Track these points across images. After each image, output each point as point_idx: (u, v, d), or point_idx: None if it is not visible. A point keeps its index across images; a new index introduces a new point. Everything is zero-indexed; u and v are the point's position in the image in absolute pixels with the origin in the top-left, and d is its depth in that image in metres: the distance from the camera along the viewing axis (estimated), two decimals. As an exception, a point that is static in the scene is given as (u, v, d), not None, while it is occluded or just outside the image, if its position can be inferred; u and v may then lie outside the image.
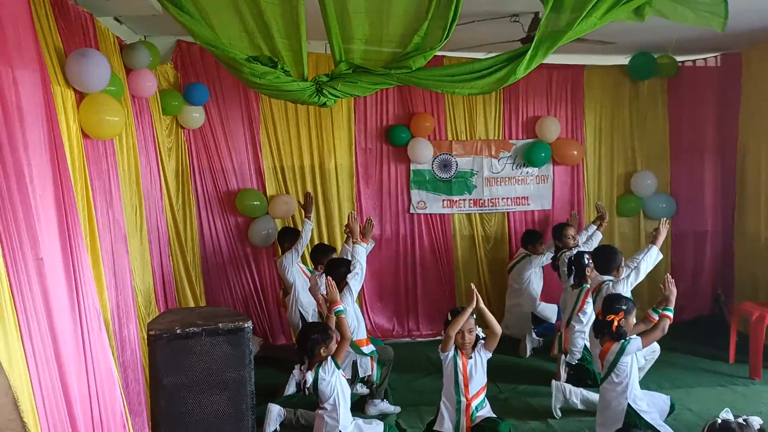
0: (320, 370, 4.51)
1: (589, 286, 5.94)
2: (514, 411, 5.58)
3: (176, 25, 3.80)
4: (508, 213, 7.92)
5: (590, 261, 6.00)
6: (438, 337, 7.28)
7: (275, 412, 5.27)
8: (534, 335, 7.22)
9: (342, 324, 4.66)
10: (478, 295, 4.76)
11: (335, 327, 4.79)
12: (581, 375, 6.00)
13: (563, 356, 6.13)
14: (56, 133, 3.24)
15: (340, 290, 5.25)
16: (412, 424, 5.41)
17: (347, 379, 5.00)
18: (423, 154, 7.56)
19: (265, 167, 7.29)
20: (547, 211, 7.96)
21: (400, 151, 7.62)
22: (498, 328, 4.80)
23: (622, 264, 5.77)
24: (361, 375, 5.54)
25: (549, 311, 7.23)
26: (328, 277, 5.12)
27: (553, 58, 7.56)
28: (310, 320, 6.34)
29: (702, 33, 6.55)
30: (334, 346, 4.60)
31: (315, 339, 4.57)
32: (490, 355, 4.86)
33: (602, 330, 4.79)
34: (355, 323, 5.49)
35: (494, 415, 4.85)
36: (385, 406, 5.71)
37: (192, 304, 6.79)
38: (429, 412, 5.22)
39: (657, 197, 7.90)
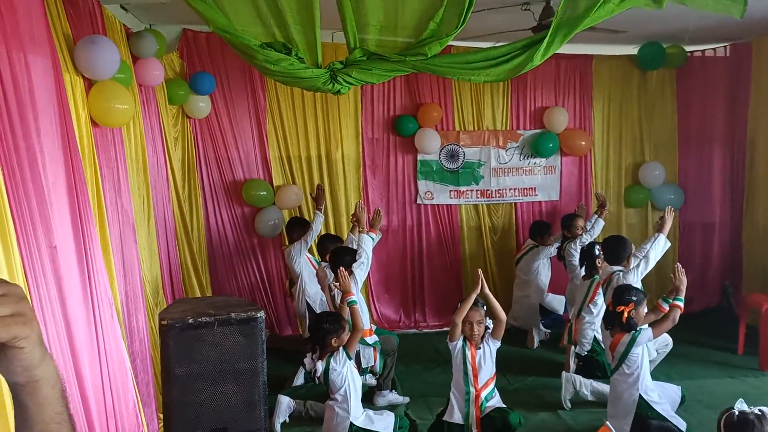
0: (331, 360, 4.48)
1: (599, 277, 5.91)
2: (523, 402, 5.55)
3: (182, 13, 3.76)
4: (515, 204, 7.89)
5: (601, 252, 5.96)
6: (445, 328, 7.25)
7: (285, 403, 5.26)
8: (542, 327, 7.19)
9: (355, 314, 4.63)
10: (484, 280, 4.71)
11: (348, 317, 4.76)
12: (591, 366, 5.98)
13: (573, 347, 6.11)
14: (67, 120, 3.20)
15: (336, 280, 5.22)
16: (421, 414, 5.40)
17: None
18: (430, 144, 7.51)
19: (272, 157, 7.24)
20: (554, 202, 7.92)
21: (407, 141, 7.58)
22: (503, 315, 4.77)
23: (632, 254, 5.73)
24: (363, 365, 5.51)
25: (557, 303, 7.21)
26: (341, 267, 5.08)
27: (561, 48, 7.58)
28: (317, 311, 6.31)
29: (713, 22, 6.52)
30: (346, 336, 4.57)
31: (327, 329, 4.54)
32: (498, 344, 4.84)
33: (613, 321, 4.76)
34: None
35: (504, 405, 4.83)
36: (393, 396, 5.70)
37: (198, 295, 6.76)
38: (438, 403, 5.21)
39: (665, 188, 7.86)
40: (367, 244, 5.57)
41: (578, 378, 5.53)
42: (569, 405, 5.44)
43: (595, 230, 6.82)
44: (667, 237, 5.69)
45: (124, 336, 3.94)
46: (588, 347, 6.02)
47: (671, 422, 4.56)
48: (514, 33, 5.57)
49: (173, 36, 6.78)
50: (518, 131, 7.77)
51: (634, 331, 4.63)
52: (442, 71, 4.15)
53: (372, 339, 5.63)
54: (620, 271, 5.56)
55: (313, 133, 7.31)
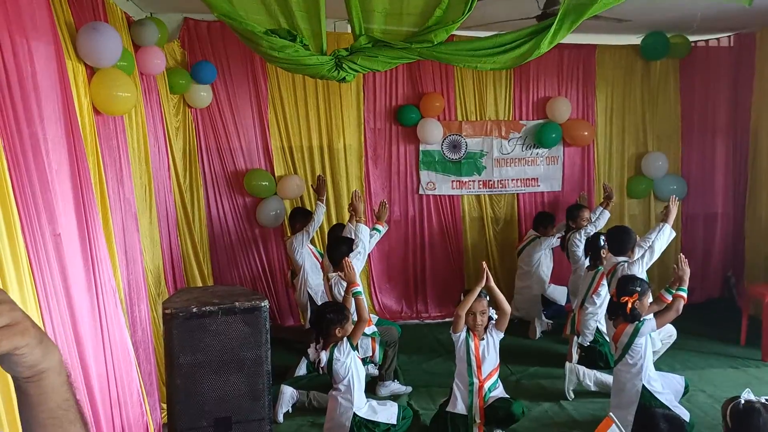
0: (335, 351, 4.47)
1: (603, 268, 5.89)
2: (526, 393, 5.55)
3: (183, 1, 3.71)
4: (517, 194, 7.86)
5: (605, 243, 5.94)
6: (447, 319, 7.30)
7: (288, 394, 5.25)
8: (543, 317, 7.18)
9: (360, 305, 4.61)
10: (489, 273, 4.69)
11: (353, 308, 4.74)
12: (593, 357, 5.97)
13: (575, 338, 6.10)
14: (70, 107, 3.17)
15: (342, 270, 5.20)
16: (423, 405, 5.39)
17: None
18: (432, 134, 7.48)
19: (274, 147, 7.21)
20: (556, 193, 7.90)
21: (410, 131, 7.54)
22: (508, 307, 4.75)
23: (636, 244, 5.71)
24: (361, 355, 5.49)
25: (558, 294, 7.20)
26: (345, 258, 5.06)
27: (564, 38, 7.54)
28: (319, 302, 6.29)
29: (717, 12, 6.48)
30: (350, 326, 4.55)
31: (330, 319, 4.53)
32: (502, 335, 4.82)
33: (616, 312, 4.73)
34: None
35: (507, 396, 4.82)
36: (396, 386, 5.69)
37: (200, 285, 6.74)
38: (440, 393, 5.20)
39: (668, 179, 7.84)
40: (363, 233, 5.54)
41: (582, 368, 5.52)
42: (572, 395, 5.44)
43: (600, 221, 6.79)
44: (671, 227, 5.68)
45: (127, 325, 3.92)
46: (591, 338, 6.01)
47: (674, 412, 4.54)
48: (517, 22, 5.53)
49: (174, 24, 6.74)
50: (521, 121, 7.74)
51: (637, 322, 4.61)
52: (448, 59, 4.12)
53: (370, 329, 5.61)
54: (625, 261, 5.54)
55: (315, 123, 7.27)
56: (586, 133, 7.72)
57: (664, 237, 5.50)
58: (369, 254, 6.73)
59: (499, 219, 7.90)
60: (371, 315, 6.57)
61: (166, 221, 5.99)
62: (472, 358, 4.75)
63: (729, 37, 7.76)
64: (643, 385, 4.67)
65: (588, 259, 6.25)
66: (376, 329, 5.71)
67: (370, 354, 5.56)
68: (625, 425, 4.63)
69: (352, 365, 4.49)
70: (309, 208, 7.00)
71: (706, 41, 7.83)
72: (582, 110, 7.83)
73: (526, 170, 7.82)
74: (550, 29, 3.77)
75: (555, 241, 7.15)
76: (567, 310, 7.02)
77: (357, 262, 5.47)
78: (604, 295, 5.83)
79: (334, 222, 7.20)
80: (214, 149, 7.09)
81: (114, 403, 3.13)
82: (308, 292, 6.58)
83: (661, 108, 7.92)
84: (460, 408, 4.73)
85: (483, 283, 4.67)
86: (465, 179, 7.73)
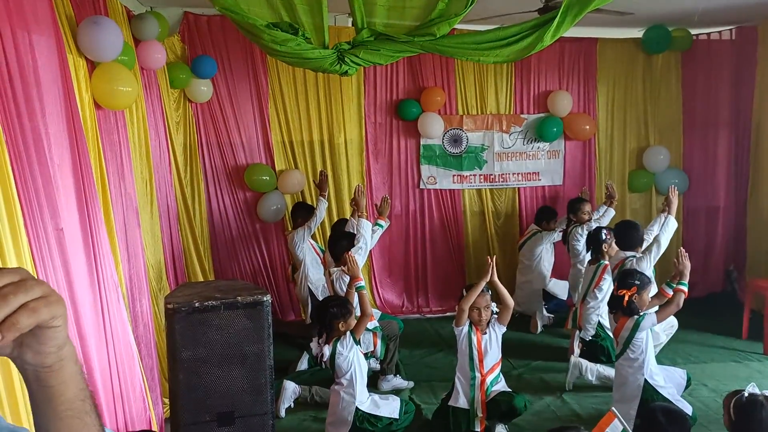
0: (338, 345, 4.47)
1: (606, 262, 5.88)
2: (527, 386, 5.55)
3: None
4: (518, 188, 7.85)
5: (608, 237, 5.94)
6: (448, 314, 7.30)
7: (290, 389, 5.25)
8: (545, 311, 7.18)
9: (363, 300, 4.61)
10: (494, 268, 4.68)
11: (356, 302, 4.74)
12: (594, 351, 5.96)
13: (577, 332, 6.10)
14: (72, 101, 3.16)
15: (343, 264, 5.20)
16: (425, 399, 5.40)
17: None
18: (433, 128, 7.46)
19: (274, 142, 7.19)
20: (558, 187, 7.89)
21: (410, 125, 7.53)
22: (510, 301, 4.75)
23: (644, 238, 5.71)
24: (364, 350, 5.49)
25: (559, 288, 7.20)
26: (348, 252, 5.06)
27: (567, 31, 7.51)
28: (320, 296, 6.29)
29: (719, 5, 6.45)
30: (353, 320, 4.55)
31: (334, 313, 4.53)
32: (504, 329, 4.81)
33: (617, 305, 4.74)
34: None
35: (509, 389, 4.82)
36: (398, 381, 5.69)
37: (201, 280, 6.73)
38: (442, 388, 5.20)
39: (669, 172, 7.82)
40: (365, 228, 5.54)
41: (585, 363, 5.53)
42: (571, 387, 5.46)
43: (604, 219, 6.78)
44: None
45: (129, 320, 3.92)
46: (592, 332, 6.01)
47: (675, 406, 4.54)
48: (519, 15, 5.51)
49: (174, 19, 6.71)
50: (522, 115, 7.72)
51: (638, 316, 4.61)
52: (450, 52, 4.10)
53: (372, 324, 5.60)
54: (633, 256, 5.53)
55: (316, 118, 7.25)
56: (587, 127, 7.70)
57: (668, 229, 5.49)
58: (370, 249, 6.74)
59: (500, 213, 7.89)
60: (374, 310, 6.59)
61: (167, 216, 5.99)
62: (474, 352, 4.75)
63: (731, 30, 7.73)
64: (645, 380, 4.67)
65: (590, 253, 6.23)
66: (378, 324, 5.71)
67: (372, 349, 5.56)
68: (627, 419, 4.61)
69: (354, 359, 4.49)
70: (309, 203, 6.99)
71: (708, 34, 7.81)
72: (583, 104, 7.82)
73: (527, 164, 7.80)
74: (553, 22, 3.76)
75: (557, 235, 7.15)
76: (568, 305, 7.01)
77: (359, 257, 5.46)
78: (606, 289, 5.82)
79: (335, 217, 7.19)
80: (214, 144, 7.07)
81: (117, 397, 3.13)
82: (309, 287, 6.58)
83: (662, 101, 7.90)
84: (462, 402, 4.73)
85: (487, 278, 4.66)
86: (466, 173, 7.72)
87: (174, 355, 3.64)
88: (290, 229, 6.89)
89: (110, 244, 3.86)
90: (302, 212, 6.70)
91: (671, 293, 4.78)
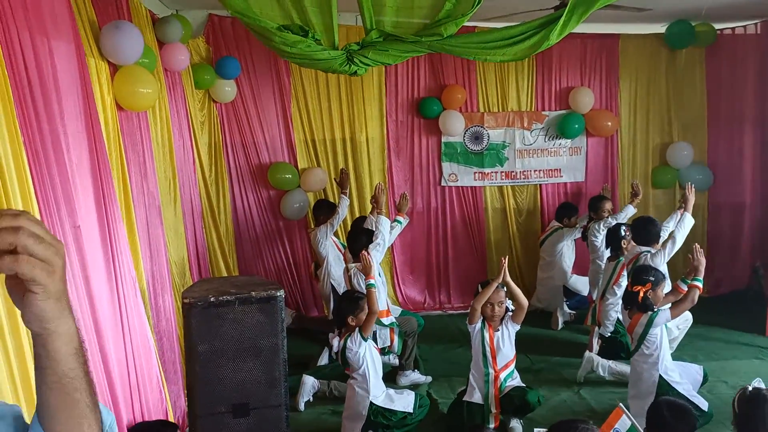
0: (348, 340, 4.56)
1: (624, 258, 5.88)
2: (546, 382, 5.61)
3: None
4: (540, 185, 7.86)
5: (627, 234, 5.94)
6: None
7: (309, 383, 5.36)
8: (566, 308, 7.19)
9: (371, 297, 4.67)
10: (506, 268, 4.73)
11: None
12: (614, 348, 5.97)
13: (596, 328, 6.11)
14: (91, 104, 3.29)
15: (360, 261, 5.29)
16: (443, 394, 5.46)
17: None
18: (454, 126, 7.50)
19: (297, 140, 7.32)
20: (580, 183, 7.87)
21: (432, 123, 7.58)
22: (525, 302, 4.79)
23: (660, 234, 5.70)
24: (380, 345, 5.57)
25: (581, 284, 7.19)
26: (363, 250, 5.15)
27: (587, 28, 7.47)
28: (342, 293, 6.39)
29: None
30: (364, 315, 4.63)
31: (343, 307, 4.64)
32: (518, 327, 4.86)
33: (631, 301, 4.75)
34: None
35: (523, 385, 4.87)
36: (416, 376, 5.76)
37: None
38: (460, 383, 5.25)
39: (693, 168, 7.75)
40: (384, 225, 5.62)
41: (597, 359, 5.57)
42: (582, 380, 5.55)
43: (621, 215, 6.76)
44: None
45: (150, 315, 4.05)
46: (611, 328, 6.02)
47: (680, 400, 4.53)
48: (537, 12, 5.53)
49: (199, 21, 6.87)
50: (543, 112, 7.73)
51: (651, 312, 4.61)
52: (458, 51, 4.16)
53: (388, 320, 5.69)
54: (647, 251, 5.53)
55: (338, 116, 7.36)
56: (609, 124, 7.68)
57: (685, 226, 5.48)
58: (392, 246, 6.83)
59: (522, 210, 7.90)
60: (394, 306, 6.69)
61: (191, 214, 6.13)
62: (487, 348, 4.80)
63: (756, 24, 7.62)
64: (660, 375, 4.68)
65: (609, 249, 6.23)
66: (394, 320, 5.79)
67: (389, 344, 5.65)
68: (643, 415, 4.64)
69: (366, 355, 4.56)
70: (332, 200, 7.09)
71: (733, 29, 7.70)
72: (605, 100, 7.79)
73: (549, 161, 7.80)
74: (559, 20, 3.78)
75: (577, 232, 7.15)
76: (589, 301, 7.01)
77: (376, 253, 5.55)
78: (624, 285, 5.82)
79: (357, 214, 7.28)
80: (238, 143, 7.22)
81: (133, 387, 3.26)
82: (331, 284, 6.67)
83: (686, 97, 7.83)
84: (476, 397, 4.80)
85: (500, 279, 4.72)
86: (487, 170, 7.75)
87: (190, 348, 3.76)
88: (313, 227, 6.99)
89: (130, 241, 4.00)
90: (324, 210, 6.80)
91: (686, 289, 4.78)
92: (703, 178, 7.71)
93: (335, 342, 4.62)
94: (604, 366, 5.52)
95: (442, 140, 7.66)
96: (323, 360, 6.08)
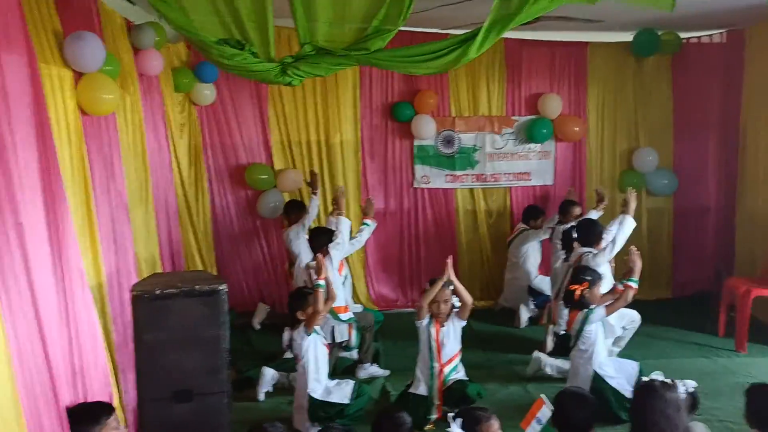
0: (294, 333, 4.84)
1: (570, 259, 6.11)
2: (497, 376, 5.87)
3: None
4: (510, 188, 8.09)
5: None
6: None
7: (269, 375, 5.63)
8: (532, 307, 7.40)
9: (317, 297, 4.91)
10: (452, 268, 5.00)
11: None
12: (567, 345, 6.18)
13: (551, 326, 6.35)
14: (42, 110, 3.57)
15: None
16: (399, 387, 5.67)
17: (329, 344, 5.32)
18: (426, 130, 7.75)
19: (273, 142, 7.61)
20: (548, 187, 8.10)
21: (405, 126, 7.83)
22: (469, 299, 5.06)
23: (603, 235, 5.92)
24: (338, 340, 5.84)
25: (545, 284, 7.40)
26: (317, 254, 5.44)
27: (556, 36, 7.72)
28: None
29: (706, 9, 6.52)
30: (311, 311, 4.90)
31: (293, 303, 4.92)
32: (464, 323, 5.13)
33: (569, 299, 4.99)
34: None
35: (466, 378, 5.12)
36: (374, 369, 6.02)
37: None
38: (416, 377, 5.50)
39: (659, 173, 7.96)
40: (344, 226, 5.90)
41: (545, 358, 5.81)
42: (530, 374, 5.83)
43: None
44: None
45: (106, 308, 4.33)
46: (565, 327, 6.24)
47: (586, 392, 4.72)
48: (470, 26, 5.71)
49: (180, 27, 7.13)
50: (513, 117, 7.96)
51: (587, 310, 4.85)
52: (384, 65, 4.42)
53: (346, 315, 5.95)
54: (589, 252, 5.76)
55: (313, 119, 7.63)
56: (577, 129, 7.90)
57: (625, 228, 5.69)
58: (365, 245, 7.08)
59: (492, 212, 8.14)
60: (357, 304, 6.97)
61: (165, 212, 6.41)
62: (433, 343, 5.07)
63: (721, 33, 7.82)
64: (594, 370, 4.92)
65: (564, 251, 6.46)
66: (352, 315, 6.05)
67: (347, 339, 5.91)
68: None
69: (309, 348, 4.82)
70: (306, 201, 7.34)
71: (698, 38, 7.91)
72: (573, 106, 8.01)
73: (519, 165, 8.03)
74: (477, 37, 4.02)
75: (544, 233, 7.37)
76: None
77: (336, 252, 5.84)
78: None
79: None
80: (218, 144, 7.53)
81: (78, 372, 3.53)
82: (304, 281, 6.93)
83: (653, 104, 8.04)
84: (421, 389, 5.06)
85: (445, 278, 4.99)
86: (458, 173, 7.99)
87: (138, 338, 4.07)
88: (286, 227, 7.26)
89: (90, 236, 4.29)
90: (295, 210, 7.06)
91: (623, 289, 5.01)
92: (668, 182, 7.92)
93: (285, 335, 4.89)
94: (552, 365, 5.77)
95: (415, 143, 7.91)
96: (288, 353, 6.34)
